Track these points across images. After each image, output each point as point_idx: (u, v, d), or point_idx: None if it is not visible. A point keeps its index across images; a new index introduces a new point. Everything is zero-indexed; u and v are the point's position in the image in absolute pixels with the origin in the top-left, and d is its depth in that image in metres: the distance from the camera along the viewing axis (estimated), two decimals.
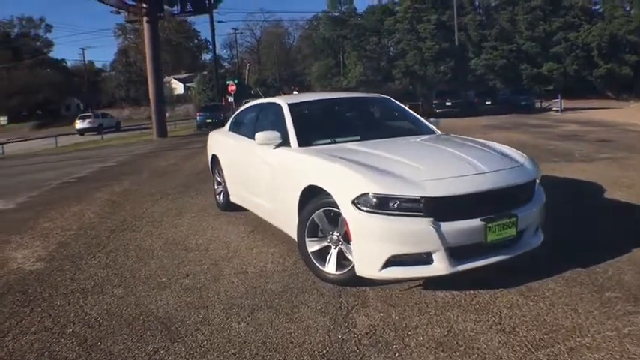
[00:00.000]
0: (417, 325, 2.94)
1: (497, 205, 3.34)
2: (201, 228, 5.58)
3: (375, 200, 3.16)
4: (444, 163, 3.58)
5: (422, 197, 3.12)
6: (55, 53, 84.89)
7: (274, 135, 4.38)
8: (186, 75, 74.22)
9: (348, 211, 3.27)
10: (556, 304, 3.16)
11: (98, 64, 74.66)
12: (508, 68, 40.08)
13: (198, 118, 29.96)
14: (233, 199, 5.83)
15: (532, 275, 3.59)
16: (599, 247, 4.20)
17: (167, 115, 50.93)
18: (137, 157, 15.23)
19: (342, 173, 3.44)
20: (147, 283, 3.94)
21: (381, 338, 2.81)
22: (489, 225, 3.23)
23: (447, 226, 3.13)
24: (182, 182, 9.00)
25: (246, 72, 76.94)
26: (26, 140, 27.27)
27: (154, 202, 7.25)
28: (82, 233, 5.67)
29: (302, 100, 5.17)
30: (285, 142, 4.36)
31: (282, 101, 4.91)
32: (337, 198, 3.35)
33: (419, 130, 4.91)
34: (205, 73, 56.16)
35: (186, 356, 2.79)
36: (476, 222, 3.21)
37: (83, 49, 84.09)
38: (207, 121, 28.18)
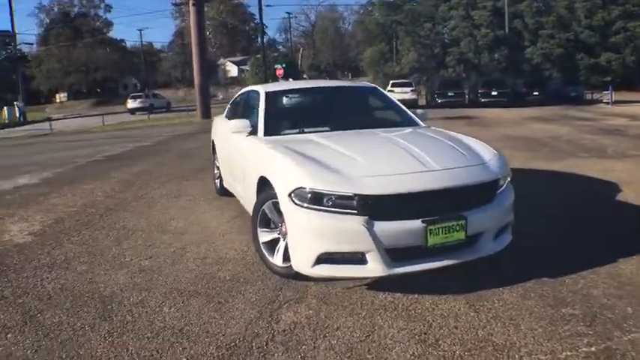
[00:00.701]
0: (339, 327, 2.86)
1: (444, 206, 3.16)
2: (189, 211, 5.69)
3: (309, 195, 3.09)
4: (393, 158, 3.43)
5: (355, 194, 3.01)
6: (115, 33, 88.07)
7: (244, 123, 4.40)
8: (241, 58, 75.47)
9: (284, 204, 3.23)
10: (499, 317, 2.94)
11: (157, 46, 77.13)
12: (565, 58, 37.87)
13: None
14: (225, 184, 5.90)
15: (490, 282, 3.38)
16: (582, 255, 3.89)
17: (220, 97, 52.26)
18: (173, 137, 15.69)
19: (282, 165, 3.41)
20: (110, 263, 4.08)
21: (295, 337, 2.77)
22: (431, 227, 3.07)
23: (381, 226, 3.01)
24: (199, 165, 9.19)
25: (300, 56, 77.35)
26: (79, 117, 28.68)
27: (161, 184, 7.46)
28: (81, 211, 5.93)
29: (281, 89, 5.16)
30: (254, 130, 4.36)
31: (261, 89, 4.91)
32: (277, 190, 3.32)
33: (400, 121, 4.75)
34: (259, 56, 56.94)
35: (105, 335, 2.88)
36: (416, 223, 3.06)
37: (140, 30, 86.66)
38: None
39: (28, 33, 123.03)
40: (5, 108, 31.71)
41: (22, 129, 25.63)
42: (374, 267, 3.06)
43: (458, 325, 2.87)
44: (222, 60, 78.80)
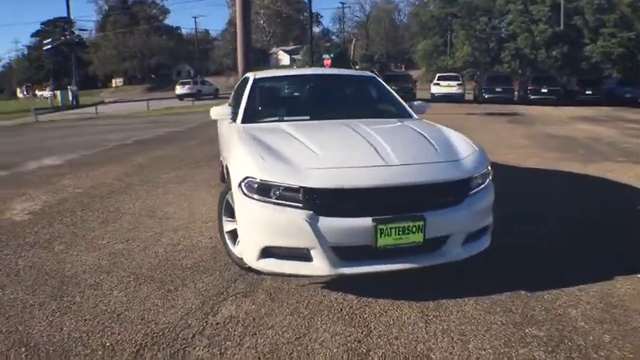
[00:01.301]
0: (273, 326, 2.77)
1: (399, 205, 2.96)
2: (184, 197, 5.74)
3: (256, 185, 3.00)
4: (353, 151, 3.27)
5: (300, 187, 2.89)
6: (171, 21, 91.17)
7: (225, 110, 4.39)
8: (294, 47, 75.83)
9: (235, 194, 3.16)
10: (449, 332, 2.72)
11: (213, 34, 78.90)
12: (626, 58, 35.62)
13: None
14: (225, 170, 5.91)
15: (459, 290, 3.15)
16: (578, 268, 3.55)
17: None
18: (206, 124, 15.86)
19: (237, 154, 3.34)
20: (87, 244, 4.17)
21: (224, 332, 2.70)
22: (381, 227, 2.88)
23: (326, 222, 2.87)
24: (217, 152, 9.27)
25: (352, 47, 76.81)
26: (129, 102, 29.69)
27: (173, 169, 7.59)
28: (86, 193, 6.11)
29: (270, 76, 5.12)
30: (235, 117, 4.32)
31: (252, 75, 4.89)
32: (231, 179, 3.25)
33: (391, 113, 4.56)
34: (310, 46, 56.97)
35: (49, 314, 2.94)
36: (365, 221, 2.88)
37: (195, 18, 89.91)
38: None
39: (85, 19, 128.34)
40: (58, 92, 33.41)
41: (73, 112, 26.88)
42: (319, 265, 2.93)
43: (399, 336, 2.68)
44: (274, 49, 79.51)
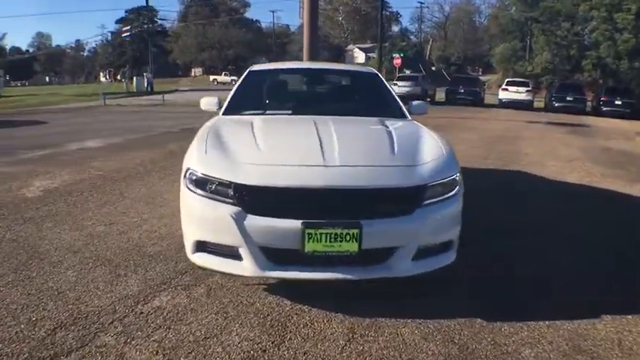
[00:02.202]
0: (191, 322, 2.78)
1: (334, 209, 2.83)
2: None
3: (194, 178, 3.04)
4: (298, 149, 3.22)
5: (232, 182, 2.89)
6: (252, 14, 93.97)
7: (213, 101, 4.49)
8: (370, 45, 75.57)
9: (181, 185, 3.20)
10: (365, 355, 2.51)
11: (292, 28, 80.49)
12: None
13: None
14: None
15: (409, 309, 2.95)
16: (567, 300, 3.19)
17: None
18: None
19: (191, 145, 3.38)
20: (74, 224, 4.43)
21: (141, 322, 2.74)
22: (309, 231, 2.76)
23: (254, 221, 2.82)
24: None
25: (429, 47, 75.27)
26: (200, 90, 30.72)
27: None
28: (104, 175, 6.47)
29: (265, 68, 5.18)
30: (220, 108, 4.40)
31: (251, 67, 4.98)
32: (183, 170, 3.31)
33: (382, 112, 4.34)
34: (386, 45, 56.56)
35: (1, 285, 3.16)
36: (294, 224, 2.78)
37: (273, 12, 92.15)
38: None
39: (167, 10, 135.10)
40: (135, 78, 35.54)
41: (145, 98, 28.49)
42: (247, 266, 2.89)
43: (309, 352, 2.55)
44: (351, 46, 79.67)
